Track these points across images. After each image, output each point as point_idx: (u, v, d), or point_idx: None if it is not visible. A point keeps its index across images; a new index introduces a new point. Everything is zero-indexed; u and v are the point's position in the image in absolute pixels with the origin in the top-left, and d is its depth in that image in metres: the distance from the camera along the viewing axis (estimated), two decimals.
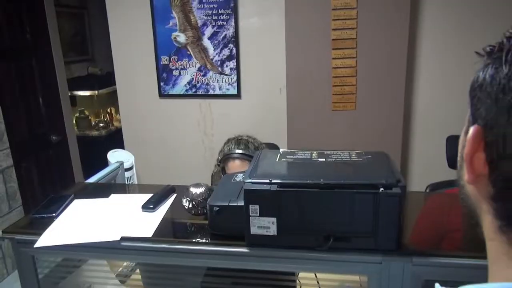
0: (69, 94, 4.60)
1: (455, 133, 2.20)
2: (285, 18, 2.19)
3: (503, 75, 0.35)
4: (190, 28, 2.38)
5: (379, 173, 0.99)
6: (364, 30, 2.15)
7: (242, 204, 0.98)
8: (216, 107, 2.51)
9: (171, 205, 1.25)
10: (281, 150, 1.19)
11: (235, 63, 2.39)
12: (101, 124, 4.24)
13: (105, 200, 1.31)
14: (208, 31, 2.37)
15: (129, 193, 1.36)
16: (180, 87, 2.50)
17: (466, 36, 2.17)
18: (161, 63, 2.47)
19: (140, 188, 1.55)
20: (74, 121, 4.66)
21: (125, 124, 2.68)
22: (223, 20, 2.33)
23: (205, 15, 2.34)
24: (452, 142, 1.96)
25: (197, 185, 1.20)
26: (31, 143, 3.36)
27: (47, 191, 3.00)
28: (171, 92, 2.52)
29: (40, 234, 1.10)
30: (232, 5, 2.29)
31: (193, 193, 1.16)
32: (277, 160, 1.12)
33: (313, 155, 1.14)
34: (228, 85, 2.44)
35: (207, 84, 2.46)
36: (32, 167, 3.39)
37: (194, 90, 2.49)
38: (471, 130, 0.38)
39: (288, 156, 1.13)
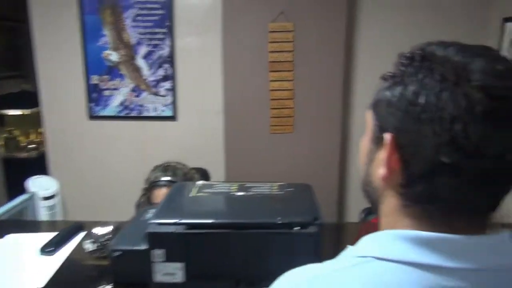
0: None
1: None
2: (222, 39, 2.13)
3: (411, 92, 0.44)
4: (123, 47, 2.25)
5: (297, 209, 0.93)
6: (301, 53, 2.13)
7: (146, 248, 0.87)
8: (151, 129, 2.38)
9: (76, 246, 1.11)
10: (199, 182, 1.10)
11: (171, 84, 2.29)
12: (31, 146, 3.94)
13: None
14: (143, 50, 2.25)
15: (31, 231, 1.21)
16: (112, 108, 2.35)
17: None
18: (91, 82, 2.32)
19: (45, 226, 1.39)
20: (3, 143, 4.32)
21: (52, 147, 2.48)
22: (158, 39, 2.23)
23: (140, 34, 2.23)
24: None
25: (103, 224, 1.07)
26: None
27: None
28: (102, 114, 2.36)
29: None
30: (167, 24, 2.20)
31: (97, 234, 1.04)
32: (191, 195, 1.02)
33: (233, 188, 1.06)
34: (164, 106, 2.33)
35: (141, 105, 2.34)
36: None
37: (127, 111, 2.35)
38: (386, 137, 0.47)
39: (205, 190, 1.04)
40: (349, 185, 2.42)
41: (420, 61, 0.45)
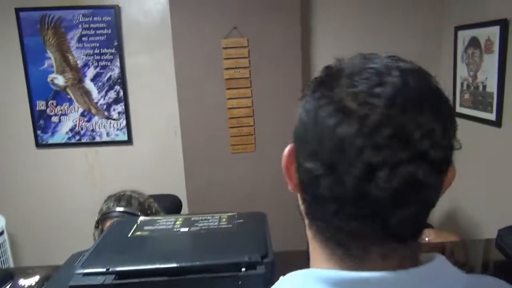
0: None
1: None
2: (173, 57, 2.03)
3: (307, 110, 0.42)
4: (69, 70, 2.12)
5: (245, 246, 0.83)
6: (257, 68, 2.06)
7: None
8: (105, 155, 2.24)
9: None
10: (140, 219, 0.99)
11: (123, 106, 2.17)
12: None
13: None
14: (90, 72, 2.13)
15: None
16: (61, 135, 2.20)
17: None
18: (37, 108, 2.16)
19: None
20: None
21: None
22: (106, 60, 2.11)
23: (86, 55, 2.10)
24: None
25: (30, 274, 0.94)
26: None
27: None
28: (50, 141, 2.20)
29: None
30: (116, 43, 2.09)
31: (22, 285, 0.90)
32: (129, 235, 0.91)
33: (177, 223, 0.95)
34: (117, 130, 2.20)
35: (92, 130, 2.20)
36: None
37: (77, 137, 2.20)
38: (288, 147, 0.46)
39: (145, 228, 0.93)
40: None
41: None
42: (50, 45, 2.08)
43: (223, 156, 2.13)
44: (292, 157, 0.45)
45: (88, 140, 2.21)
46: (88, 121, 2.18)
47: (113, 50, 2.10)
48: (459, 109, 2.08)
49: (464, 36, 1.99)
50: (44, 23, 2.05)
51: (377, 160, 0.36)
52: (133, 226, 0.95)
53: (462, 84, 2.05)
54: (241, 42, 2.02)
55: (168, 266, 0.76)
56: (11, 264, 2.16)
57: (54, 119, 2.18)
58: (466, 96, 2.03)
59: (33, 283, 0.91)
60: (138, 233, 0.92)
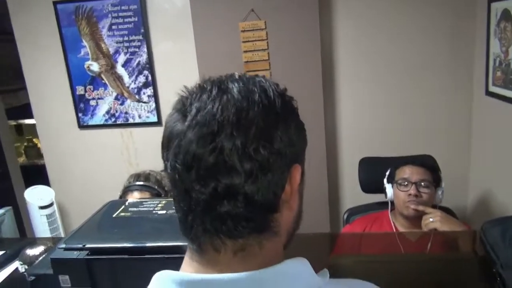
0: (15, 123, 4.47)
1: (376, 144, 2.14)
2: (194, 42, 2.10)
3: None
4: (102, 57, 2.28)
5: None
6: (276, 51, 2.07)
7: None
8: (138, 135, 2.41)
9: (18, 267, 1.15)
10: (128, 201, 1.10)
11: (152, 90, 2.30)
12: None
13: None
14: (121, 58, 2.27)
15: None
16: (99, 117, 2.40)
17: (383, 51, 2.12)
18: (77, 93, 2.37)
19: (2, 243, 1.44)
20: (23, 151, 4.53)
21: (48, 158, 2.57)
22: (135, 46, 2.24)
23: (116, 42, 2.25)
24: (364, 164, 1.88)
25: (36, 244, 1.10)
26: None
27: None
28: (90, 123, 2.42)
29: None
30: (142, 30, 2.21)
31: (28, 255, 1.06)
32: (114, 215, 1.02)
33: (159, 206, 1.05)
34: (148, 112, 2.35)
35: (126, 112, 2.37)
36: None
37: (113, 119, 2.39)
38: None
39: (130, 209, 1.04)
40: (341, 178, 2.35)
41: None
42: (85, 34, 2.25)
43: None
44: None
45: (122, 122, 2.39)
46: (122, 104, 2.35)
47: (140, 37, 2.22)
48: (491, 88, 1.94)
49: (497, 8, 1.83)
50: (78, 14, 2.22)
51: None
52: (121, 207, 1.06)
53: (494, 61, 1.91)
54: (258, 25, 2.04)
55: (130, 246, 0.86)
56: (60, 230, 2.45)
57: (92, 102, 2.38)
58: (498, 73, 1.88)
59: (39, 252, 1.06)
60: (122, 214, 1.02)
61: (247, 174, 0.43)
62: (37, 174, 3.91)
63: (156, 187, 1.84)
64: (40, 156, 4.34)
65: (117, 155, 2.46)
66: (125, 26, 2.20)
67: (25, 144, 4.49)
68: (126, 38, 2.23)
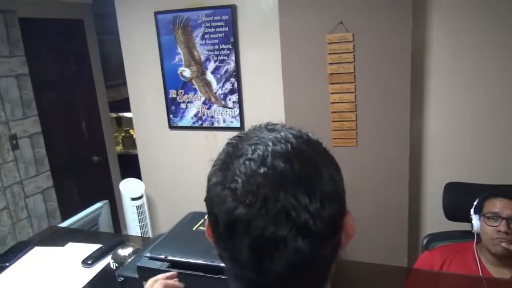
0: (116, 115, 4.94)
1: (466, 168, 1.99)
2: (281, 52, 2.14)
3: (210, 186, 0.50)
4: (194, 63, 2.43)
5: None
6: (362, 63, 2.02)
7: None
8: (221, 139, 2.53)
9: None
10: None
11: (237, 97, 2.40)
12: None
13: (59, 250, 1.39)
14: (211, 65, 2.40)
15: (87, 242, 1.43)
16: (188, 119, 2.56)
17: (477, 61, 1.96)
18: (170, 96, 2.56)
19: (99, 237, 1.62)
20: (120, 141, 5.00)
21: (141, 152, 2.81)
22: (224, 55, 2.35)
23: (207, 50, 2.37)
24: (450, 190, 1.76)
25: (126, 245, 1.22)
26: (72, 164, 3.65)
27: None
28: (179, 124, 2.59)
29: None
30: (232, 40, 2.30)
31: (119, 254, 1.19)
32: (194, 228, 1.10)
33: None
34: (232, 118, 2.45)
35: (212, 116, 2.50)
36: (73, 186, 3.69)
37: (200, 122, 2.54)
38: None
39: None
40: (424, 200, 2.23)
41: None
42: (180, 42, 2.41)
43: None
44: (210, 230, 0.51)
45: (208, 125, 2.52)
46: (208, 108, 2.49)
47: (230, 46, 2.32)
48: None
49: None
50: (175, 23, 2.38)
51: (263, 242, 0.42)
52: (200, 220, 1.14)
53: None
54: (346, 37, 2.01)
55: (206, 263, 0.92)
56: (147, 221, 2.68)
57: (182, 105, 2.54)
58: None
59: (128, 253, 1.18)
60: (201, 228, 1.10)
61: (322, 241, 0.44)
62: (130, 162, 4.30)
63: None
64: (135, 146, 4.76)
65: (201, 156, 2.61)
66: (217, 35, 2.32)
67: (123, 134, 4.95)
68: (216, 47, 2.34)
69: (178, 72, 2.48)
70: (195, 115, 2.54)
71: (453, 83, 2.03)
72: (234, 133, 2.51)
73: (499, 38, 1.91)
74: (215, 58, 2.37)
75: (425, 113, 2.12)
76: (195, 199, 2.55)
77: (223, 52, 2.35)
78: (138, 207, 2.61)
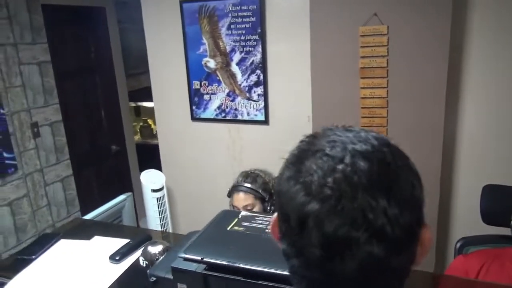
0: (135, 104, 4.93)
1: (501, 170, 1.90)
2: (310, 44, 2.07)
3: (281, 181, 0.49)
4: (219, 54, 2.37)
5: None
6: (396, 58, 1.94)
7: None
8: (245, 132, 2.47)
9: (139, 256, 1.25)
10: (241, 213, 1.12)
11: (263, 89, 2.33)
12: None
13: (85, 243, 1.36)
14: (236, 57, 2.34)
15: (113, 236, 1.39)
16: (211, 111, 2.51)
17: None
18: (193, 87, 2.51)
19: (125, 231, 1.59)
20: (138, 130, 4.99)
21: (162, 143, 2.78)
22: (250, 46, 2.28)
23: (233, 41, 2.31)
24: (489, 192, 1.68)
25: (157, 243, 1.18)
26: (91, 153, 3.65)
27: (105, 198, 3.27)
28: (202, 116, 2.54)
29: (10, 279, 1.17)
30: (259, 31, 2.23)
31: (149, 252, 1.15)
32: (228, 228, 1.05)
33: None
34: (256, 111, 2.39)
35: (235, 109, 2.44)
36: (92, 175, 3.69)
37: (223, 114, 2.48)
38: (273, 216, 0.52)
39: (243, 223, 1.06)
40: (454, 204, 2.15)
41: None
42: (205, 32, 2.35)
43: None
44: (276, 227, 0.49)
45: (231, 118, 2.47)
46: (232, 100, 2.43)
47: (257, 37, 2.25)
48: None
49: None
50: (201, 13, 2.32)
51: (336, 241, 0.40)
52: (234, 220, 1.09)
53: None
54: (380, 30, 1.92)
55: (245, 267, 0.87)
56: (167, 212, 2.65)
57: (206, 97, 2.49)
58: None
59: (158, 251, 1.14)
60: (236, 228, 1.05)
61: (398, 248, 0.42)
62: (148, 152, 4.29)
63: (260, 191, 1.88)
64: (153, 136, 4.74)
65: (223, 149, 2.56)
66: (243, 25, 2.25)
67: (141, 124, 4.94)
68: (243, 38, 2.28)
69: (203, 62, 2.42)
70: (219, 107, 2.48)
71: (491, 83, 1.94)
72: (258, 127, 2.48)
73: None
74: (241, 49, 2.31)
75: (460, 112, 2.03)
76: (214, 193, 2.54)
77: (249, 43, 2.28)
78: (158, 199, 2.58)
